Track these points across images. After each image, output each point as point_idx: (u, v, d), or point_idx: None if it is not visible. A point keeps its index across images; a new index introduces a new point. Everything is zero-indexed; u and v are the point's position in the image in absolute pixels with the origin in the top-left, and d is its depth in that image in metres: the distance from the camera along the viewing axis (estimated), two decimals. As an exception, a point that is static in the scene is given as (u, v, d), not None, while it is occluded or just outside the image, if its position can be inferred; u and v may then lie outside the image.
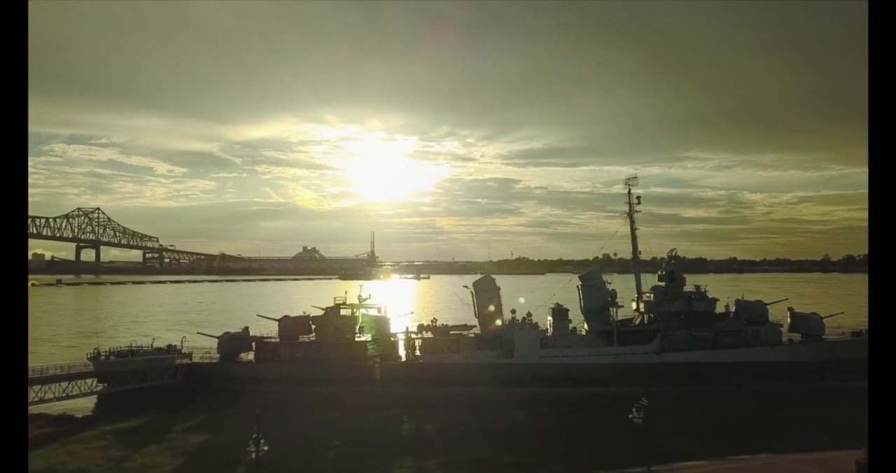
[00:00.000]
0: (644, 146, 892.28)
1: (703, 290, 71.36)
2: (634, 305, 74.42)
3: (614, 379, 64.80)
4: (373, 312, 75.43)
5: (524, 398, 62.21)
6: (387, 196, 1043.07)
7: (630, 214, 75.03)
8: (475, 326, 71.62)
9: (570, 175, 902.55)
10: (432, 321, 73.10)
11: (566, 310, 70.61)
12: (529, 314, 71.32)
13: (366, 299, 74.27)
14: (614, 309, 70.31)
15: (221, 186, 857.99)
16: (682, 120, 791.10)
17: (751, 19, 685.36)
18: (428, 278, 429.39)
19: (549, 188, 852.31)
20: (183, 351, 69.52)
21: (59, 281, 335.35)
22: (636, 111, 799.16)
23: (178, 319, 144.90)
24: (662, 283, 72.09)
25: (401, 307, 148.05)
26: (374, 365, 67.13)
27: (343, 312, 71.99)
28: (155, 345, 68.61)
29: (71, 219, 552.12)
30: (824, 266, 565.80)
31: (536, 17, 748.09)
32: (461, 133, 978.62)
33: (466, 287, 72.00)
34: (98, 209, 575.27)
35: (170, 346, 69.47)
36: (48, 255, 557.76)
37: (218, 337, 70.93)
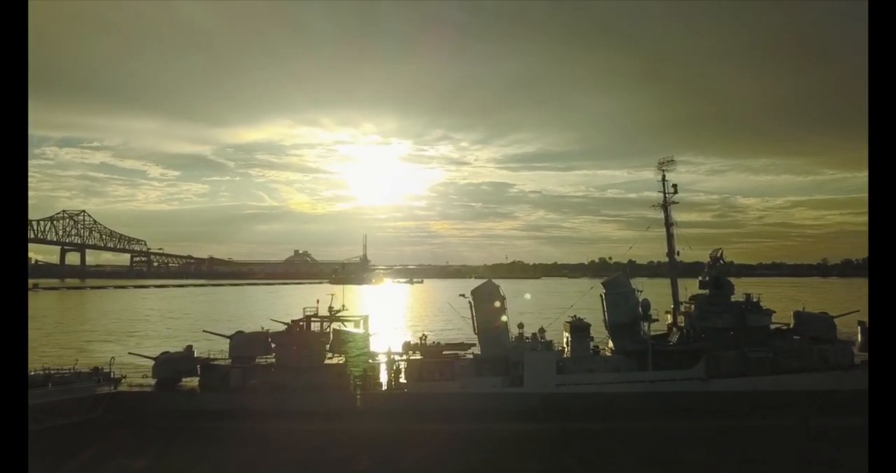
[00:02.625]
0: (637, 150, 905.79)
1: (755, 299, 57.83)
2: (669, 318, 60.76)
3: (649, 412, 51.59)
4: (356, 325, 62.18)
5: (537, 436, 49.10)
6: (381, 199, 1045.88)
7: (665, 206, 61.39)
8: (474, 344, 57.88)
9: (563, 179, 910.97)
10: (421, 338, 59.20)
11: (587, 326, 56.92)
12: (542, 330, 57.61)
13: (339, 311, 60.52)
14: (647, 324, 56.79)
15: (215, 189, 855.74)
16: (676, 124, 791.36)
17: (746, 24, 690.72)
18: (421, 282, 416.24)
19: (543, 192, 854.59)
20: (114, 376, 55.94)
21: (35, 286, 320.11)
22: (630, 115, 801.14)
23: (132, 330, 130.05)
24: (705, 291, 58.49)
25: (386, 318, 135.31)
26: (347, 394, 53.46)
27: (314, 326, 58.57)
28: (79, 367, 55.54)
29: (55, 222, 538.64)
30: (822, 270, 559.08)
31: (530, 21, 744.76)
32: (455, 136, 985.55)
33: (464, 295, 58.24)
34: (84, 211, 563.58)
35: (96, 369, 55.85)
36: (32, 259, 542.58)
37: (153, 358, 57.03)
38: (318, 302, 62.89)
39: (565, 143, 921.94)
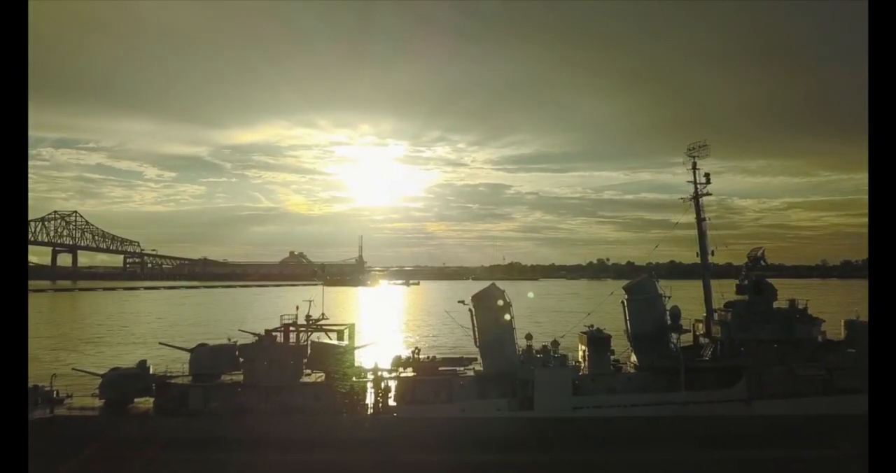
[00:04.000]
0: (634, 152, 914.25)
1: (801, 306, 49.83)
2: (700, 328, 52.66)
3: (683, 441, 43.43)
4: (339, 336, 54.26)
5: (550, 469, 41.44)
6: (378, 201, 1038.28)
7: (696, 198, 53.27)
8: (475, 359, 49.81)
9: (560, 180, 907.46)
10: (414, 351, 51.01)
11: (607, 338, 48.82)
12: (556, 342, 49.54)
13: (319, 319, 52.46)
14: (677, 336, 48.80)
15: (211, 191, 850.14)
16: (672, 125, 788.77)
17: (742, 25, 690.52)
18: (418, 284, 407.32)
19: (540, 193, 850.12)
20: (57, 396, 47.91)
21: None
22: (627, 116, 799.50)
23: (101, 335, 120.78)
24: (743, 297, 50.41)
25: (377, 325, 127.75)
26: (327, 419, 45.42)
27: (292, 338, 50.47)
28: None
29: (46, 223, 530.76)
30: (822, 271, 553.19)
31: (527, 22, 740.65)
32: (452, 138, 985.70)
33: (463, 302, 50.09)
34: (75, 212, 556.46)
35: (35, 387, 47.61)
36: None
37: (101, 375, 48.83)
38: (297, 308, 54.82)
39: (562, 145, 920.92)
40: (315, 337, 51.57)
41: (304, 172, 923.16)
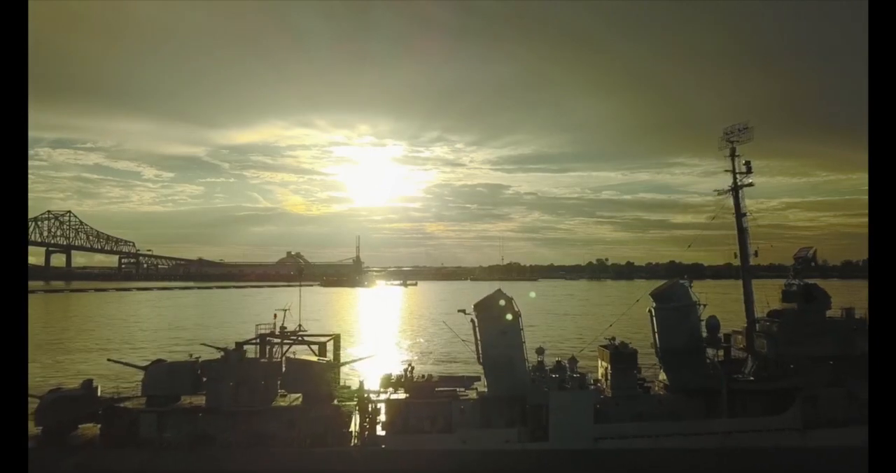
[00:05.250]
0: (633, 152, 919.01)
1: (857, 315, 42.65)
2: (742, 341, 45.35)
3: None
4: (320, 351, 47.34)
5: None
6: (376, 201, 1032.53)
7: (735, 190, 45.99)
8: (479, 379, 42.59)
9: (558, 181, 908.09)
10: (407, 369, 43.74)
11: (633, 354, 41.59)
12: (574, 360, 42.41)
13: (296, 331, 45.35)
14: (715, 352, 41.70)
15: (209, 191, 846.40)
16: (671, 125, 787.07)
17: (742, 25, 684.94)
18: (415, 284, 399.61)
19: (539, 194, 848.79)
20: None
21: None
22: (625, 117, 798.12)
23: (70, 340, 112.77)
24: (791, 305, 43.20)
25: (367, 332, 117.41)
26: (303, 452, 38.29)
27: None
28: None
29: (40, 223, 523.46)
30: (823, 271, 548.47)
31: (525, 22, 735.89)
32: (450, 138, 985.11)
33: (464, 311, 42.84)
34: (69, 212, 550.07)
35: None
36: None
37: (38, 397, 41.45)
38: (276, 316, 47.74)
39: (560, 145, 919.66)
40: (294, 351, 44.50)
41: (303, 172, 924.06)
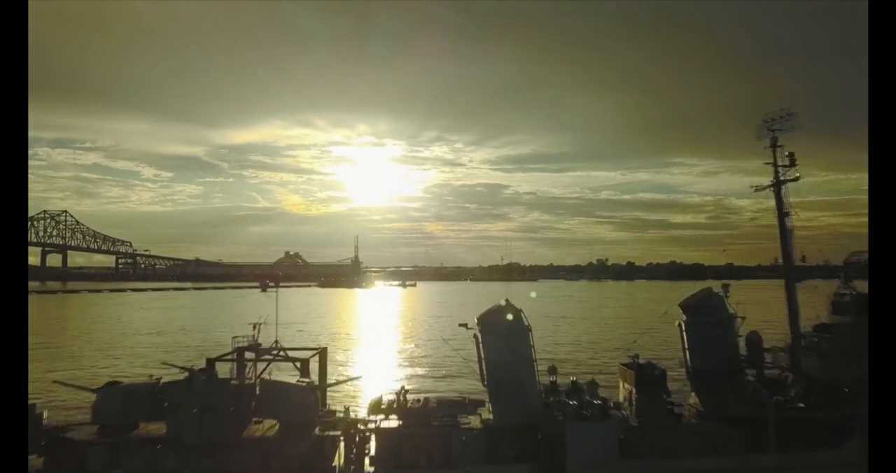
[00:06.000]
0: (632, 152, 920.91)
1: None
2: (786, 360, 39.49)
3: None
4: (302, 370, 41.71)
5: None
6: (375, 201, 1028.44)
7: (777, 186, 40.20)
8: (484, 403, 36.95)
9: (557, 180, 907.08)
10: (400, 392, 37.98)
11: (662, 375, 35.81)
12: (594, 383, 36.80)
13: (273, 347, 39.72)
14: (758, 372, 36.06)
15: (208, 191, 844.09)
16: (670, 125, 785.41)
17: (737, 25, 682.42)
18: (414, 285, 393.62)
19: (538, 193, 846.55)
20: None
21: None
22: (624, 116, 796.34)
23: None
24: (844, 318, 37.43)
25: (357, 344, 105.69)
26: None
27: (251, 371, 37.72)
28: None
29: (36, 222, 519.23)
30: (825, 272, 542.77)
31: (525, 22, 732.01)
32: (449, 138, 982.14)
33: (466, 326, 37.17)
34: (65, 211, 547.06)
35: None
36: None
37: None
38: (255, 327, 42.09)
39: (559, 145, 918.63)
40: (269, 372, 38.80)
41: (302, 172, 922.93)
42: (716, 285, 38.99)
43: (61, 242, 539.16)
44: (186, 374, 36.22)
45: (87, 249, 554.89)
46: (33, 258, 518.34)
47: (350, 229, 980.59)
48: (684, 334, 37.39)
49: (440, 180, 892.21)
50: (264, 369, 39.30)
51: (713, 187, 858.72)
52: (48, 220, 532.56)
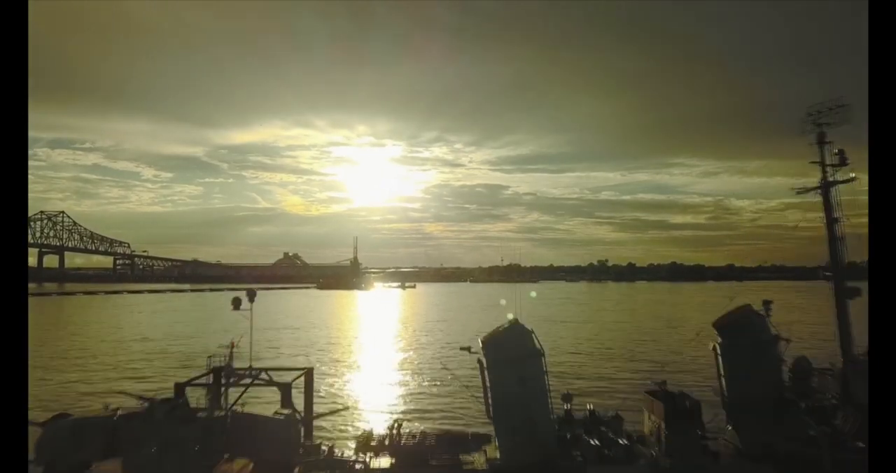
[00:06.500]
0: (631, 152, 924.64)
1: None
2: (835, 384, 34.55)
3: None
4: (282, 399, 36.91)
5: None
6: (375, 201, 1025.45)
7: (825, 187, 35.17)
8: (490, 438, 32.11)
9: (557, 181, 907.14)
10: (393, 426, 33.11)
11: (696, 407, 30.96)
12: (619, 417, 32.00)
13: (248, 369, 34.91)
14: (810, 404, 31.26)
15: (208, 191, 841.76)
16: (670, 126, 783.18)
17: (738, 26, 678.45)
18: (414, 287, 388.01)
19: (537, 194, 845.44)
20: None
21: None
22: (623, 117, 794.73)
23: None
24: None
25: (348, 358, 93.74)
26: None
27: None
28: None
29: (32, 223, 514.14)
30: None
31: (525, 23, 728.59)
32: (449, 138, 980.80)
33: (469, 350, 32.37)
34: (62, 212, 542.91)
35: None
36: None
37: None
38: (232, 345, 37.27)
39: (559, 145, 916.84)
40: (242, 404, 33.98)
41: (302, 173, 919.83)
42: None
43: (58, 243, 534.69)
44: (146, 405, 31.46)
45: (85, 250, 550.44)
46: (30, 259, 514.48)
47: (350, 230, 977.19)
48: (720, 358, 32.57)
49: (440, 181, 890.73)
50: (240, 396, 34.59)
51: (713, 188, 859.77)
52: (45, 221, 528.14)
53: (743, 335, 32.07)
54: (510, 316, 32.84)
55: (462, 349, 32.48)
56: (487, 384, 31.34)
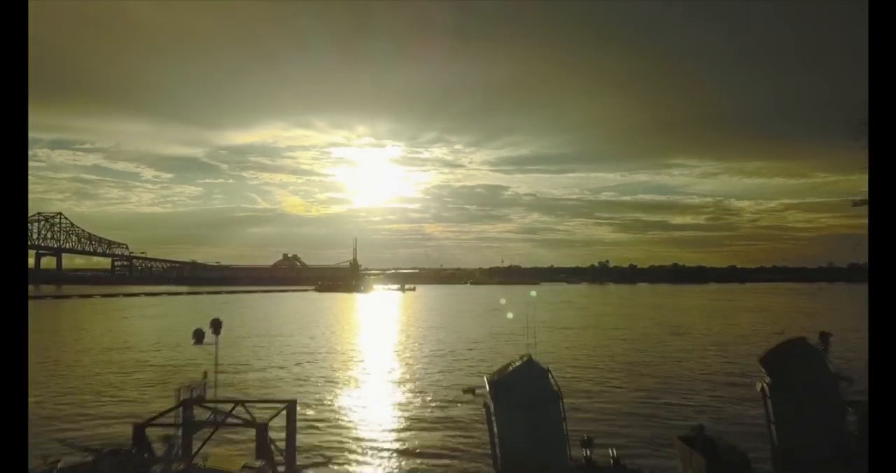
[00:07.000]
0: (631, 153, 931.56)
1: None
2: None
3: None
4: (258, 443, 32.12)
5: None
6: (375, 202, 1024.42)
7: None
8: (498, 496, 27.24)
9: (557, 182, 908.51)
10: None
11: (745, 462, 26.08)
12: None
13: (212, 412, 30.13)
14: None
15: (208, 192, 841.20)
16: (670, 127, 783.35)
17: (739, 26, 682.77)
18: (413, 289, 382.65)
19: (537, 195, 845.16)
20: None
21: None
22: (624, 117, 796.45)
23: None
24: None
25: (339, 377, 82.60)
26: None
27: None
28: None
29: (30, 225, 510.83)
30: (829, 274, 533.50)
31: (525, 23, 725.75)
32: (449, 139, 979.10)
33: (472, 392, 27.58)
34: (60, 213, 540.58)
35: None
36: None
37: None
38: (206, 374, 32.63)
39: (559, 146, 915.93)
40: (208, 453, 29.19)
41: (302, 173, 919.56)
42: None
43: (56, 245, 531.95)
44: (91, 458, 26.66)
45: (83, 252, 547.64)
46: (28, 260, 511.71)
47: (349, 230, 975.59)
48: (769, 401, 27.68)
49: (440, 181, 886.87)
50: (203, 443, 29.79)
51: (713, 188, 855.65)
52: (42, 223, 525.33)
53: (795, 375, 27.15)
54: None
55: (465, 392, 27.66)
56: (494, 431, 26.49)
